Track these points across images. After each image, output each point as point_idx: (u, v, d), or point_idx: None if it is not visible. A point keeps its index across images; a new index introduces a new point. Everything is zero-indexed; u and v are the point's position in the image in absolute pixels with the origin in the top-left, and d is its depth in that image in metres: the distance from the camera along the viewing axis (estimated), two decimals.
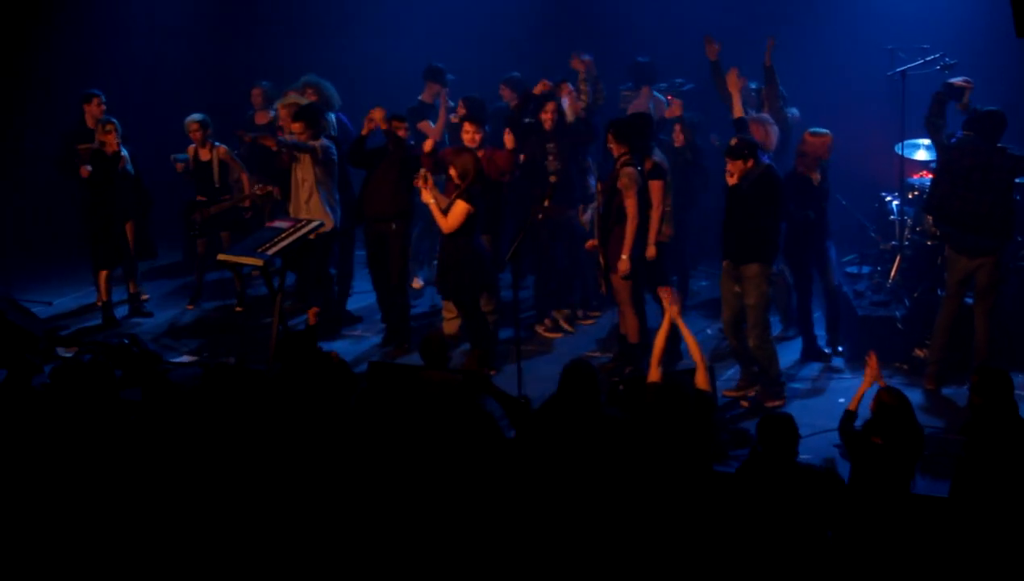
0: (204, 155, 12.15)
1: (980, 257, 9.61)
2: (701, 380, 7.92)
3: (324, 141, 11.18)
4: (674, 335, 8.74)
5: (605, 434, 7.45)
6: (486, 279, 10.45)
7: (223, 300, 12.54)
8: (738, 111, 10.13)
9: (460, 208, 10.06)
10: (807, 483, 6.96)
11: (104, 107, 12.21)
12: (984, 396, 7.19)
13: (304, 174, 11.14)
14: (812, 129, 10.40)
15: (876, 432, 7.17)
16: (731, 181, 9.46)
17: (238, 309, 11.54)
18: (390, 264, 10.99)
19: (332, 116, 12.18)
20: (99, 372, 8.26)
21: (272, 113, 12.64)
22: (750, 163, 9.38)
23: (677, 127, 11.38)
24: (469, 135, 10.78)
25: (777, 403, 9.60)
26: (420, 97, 12.69)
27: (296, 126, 11.10)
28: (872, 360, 7.76)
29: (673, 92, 12.85)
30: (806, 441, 8.89)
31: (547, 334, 11.32)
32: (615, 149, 10.06)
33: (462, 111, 11.65)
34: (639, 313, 10.23)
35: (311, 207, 11.14)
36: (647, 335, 10.13)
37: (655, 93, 12.70)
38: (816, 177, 10.32)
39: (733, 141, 9.55)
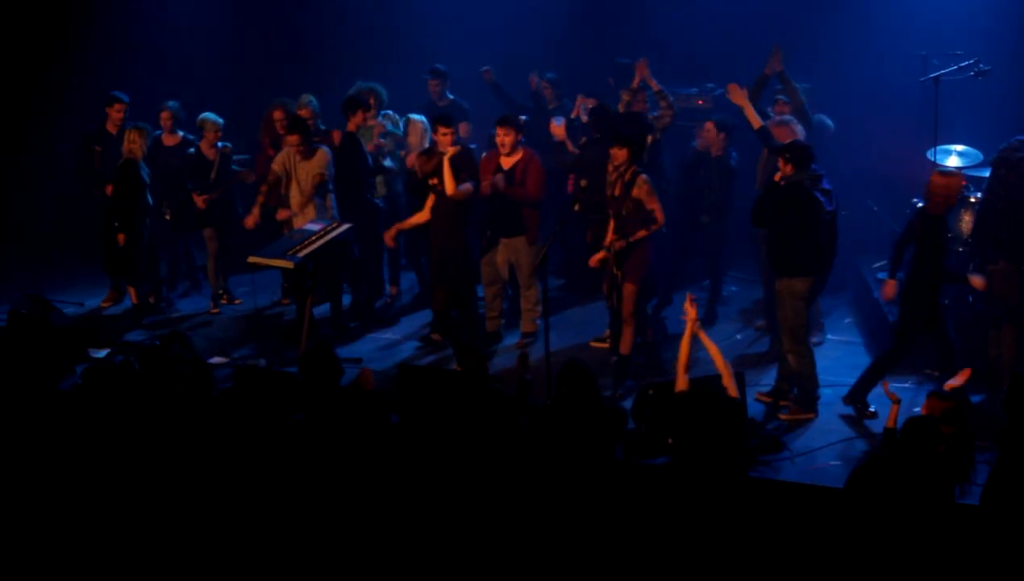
0: (211, 154, 12.19)
1: None
2: (728, 386, 7.91)
3: (324, 152, 11.28)
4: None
5: (606, 432, 7.48)
6: (476, 271, 10.66)
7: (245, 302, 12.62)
8: (755, 123, 10.17)
9: (465, 186, 10.32)
10: None
11: (122, 113, 12.28)
12: (1018, 403, 7.14)
13: (306, 182, 11.23)
14: (941, 169, 10.07)
15: (941, 439, 7.12)
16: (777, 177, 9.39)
17: (214, 310, 12.03)
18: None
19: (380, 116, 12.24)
20: (129, 374, 8.33)
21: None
22: (788, 168, 9.29)
23: (710, 125, 11.30)
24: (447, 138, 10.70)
25: (807, 416, 9.53)
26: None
27: (292, 138, 11.11)
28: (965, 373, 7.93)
29: (703, 97, 12.84)
30: (835, 448, 8.91)
31: (596, 344, 11.23)
32: (617, 156, 9.98)
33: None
34: (640, 325, 10.23)
35: (314, 208, 11.24)
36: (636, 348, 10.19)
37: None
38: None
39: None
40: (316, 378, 8.01)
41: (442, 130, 10.64)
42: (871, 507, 6.87)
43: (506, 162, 10.78)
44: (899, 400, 7.84)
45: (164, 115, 12.44)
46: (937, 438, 6.93)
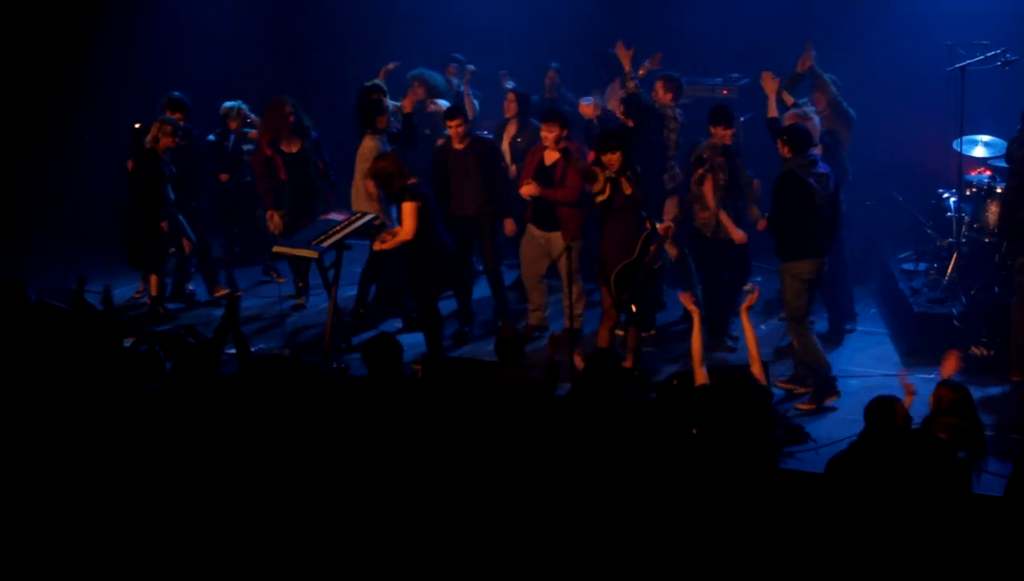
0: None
1: None
2: (757, 372, 7.93)
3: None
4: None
5: (632, 420, 7.48)
6: (446, 278, 10.34)
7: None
8: (771, 112, 10.26)
9: (407, 209, 10.00)
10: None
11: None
12: None
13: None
14: None
15: (940, 428, 7.10)
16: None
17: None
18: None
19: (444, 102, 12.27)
20: (155, 363, 8.38)
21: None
22: (786, 150, 9.42)
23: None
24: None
25: (833, 398, 9.53)
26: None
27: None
28: (952, 358, 7.71)
29: (728, 86, 12.82)
30: None
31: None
32: (612, 162, 9.77)
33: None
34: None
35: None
36: None
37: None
38: None
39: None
40: (379, 366, 7.98)
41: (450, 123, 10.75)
42: (848, 494, 6.91)
43: (548, 158, 10.62)
44: (914, 392, 7.75)
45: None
46: (892, 416, 6.87)
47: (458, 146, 10.92)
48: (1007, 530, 7.01)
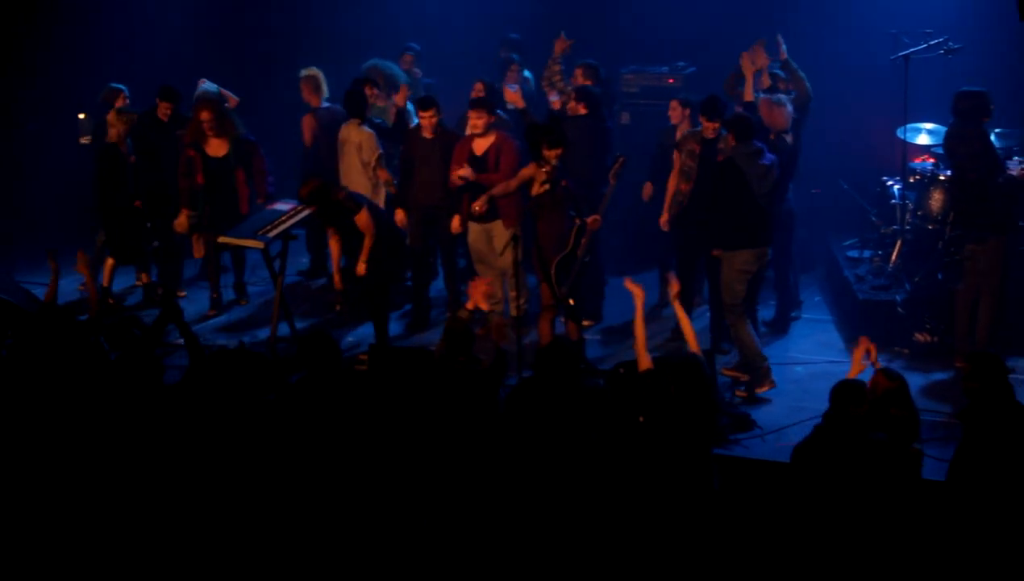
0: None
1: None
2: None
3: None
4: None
5: (586, 409, 7.49)
6: (396, 274, 10.39)
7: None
8: (748, 95, 10.26)
9: (362, 217, 10.00)
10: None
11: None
12: (979, 381, 7.16)
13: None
14: None
15: (875, 416, 7.15)
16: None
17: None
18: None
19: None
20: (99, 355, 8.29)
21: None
22: (730, 139, 9.50)
23: (674, 103, 11.22)
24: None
25: (767, 387, 9.60)
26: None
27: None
28: (863, 343, 7.53)
29: (675, 75, 12.84)
30: (806, 426, 8.93)
31: None
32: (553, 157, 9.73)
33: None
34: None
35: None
36: None
37: (524, 73, 12.63)
38: None
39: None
40: (315, 361, 7.88)
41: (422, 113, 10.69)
42: (814, 482, 6.94)
43: (479, 146, 10.57)
44: (862, 369, 7.51)
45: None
46: (859, 400, 6.90)
47: (427, 136, 10.81)
48: (950, 515, 7.09)
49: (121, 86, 12.08)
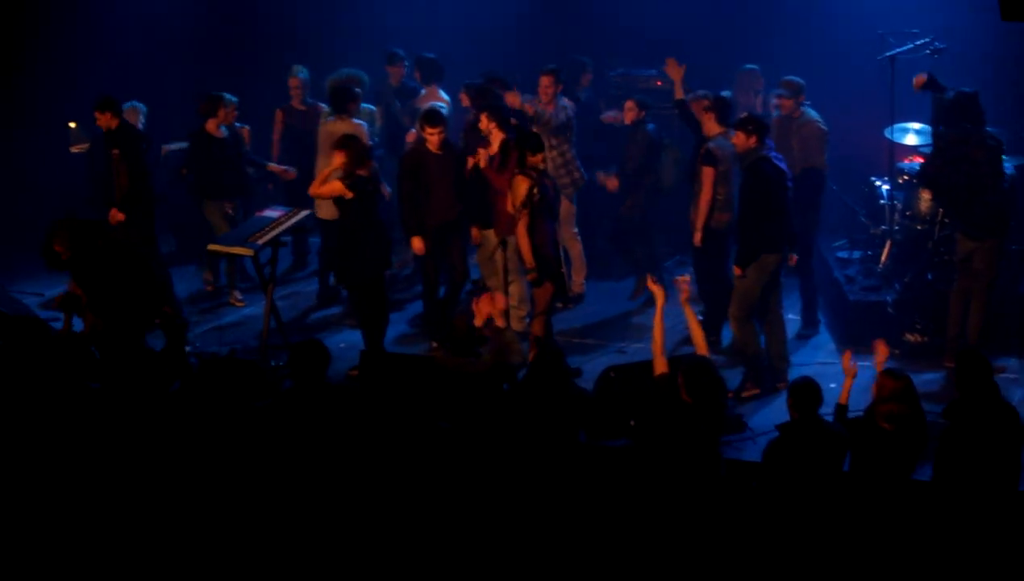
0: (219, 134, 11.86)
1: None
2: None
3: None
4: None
5: (573, 411, 7.51)
6: (378, 266, 10.19)
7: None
8: (678, 93, 10.59)
9: (334, 186, 9.99)
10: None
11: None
12: (965, 380, 7.23)
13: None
14: None
15: (884, 418, 7.17)
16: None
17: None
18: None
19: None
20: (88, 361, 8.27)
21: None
22: (752, 140, 9.48)
23: (629, 103, 11.35)
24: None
25: (753, 392, 9.65)
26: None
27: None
28: (881, 346, 7.72)
29: (663, 78, 12.81)
30: None
31: None
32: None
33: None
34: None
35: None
36: None
37: (441, 92, 12.48)
38: None
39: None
40: (306, 369, 7.85)
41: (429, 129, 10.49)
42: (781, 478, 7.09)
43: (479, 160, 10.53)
44: (854, 375, 7.71)
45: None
46: (817, 399, 7.20)
47: (437, 152, 10.56)
48: (935, 513, 7.12)
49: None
